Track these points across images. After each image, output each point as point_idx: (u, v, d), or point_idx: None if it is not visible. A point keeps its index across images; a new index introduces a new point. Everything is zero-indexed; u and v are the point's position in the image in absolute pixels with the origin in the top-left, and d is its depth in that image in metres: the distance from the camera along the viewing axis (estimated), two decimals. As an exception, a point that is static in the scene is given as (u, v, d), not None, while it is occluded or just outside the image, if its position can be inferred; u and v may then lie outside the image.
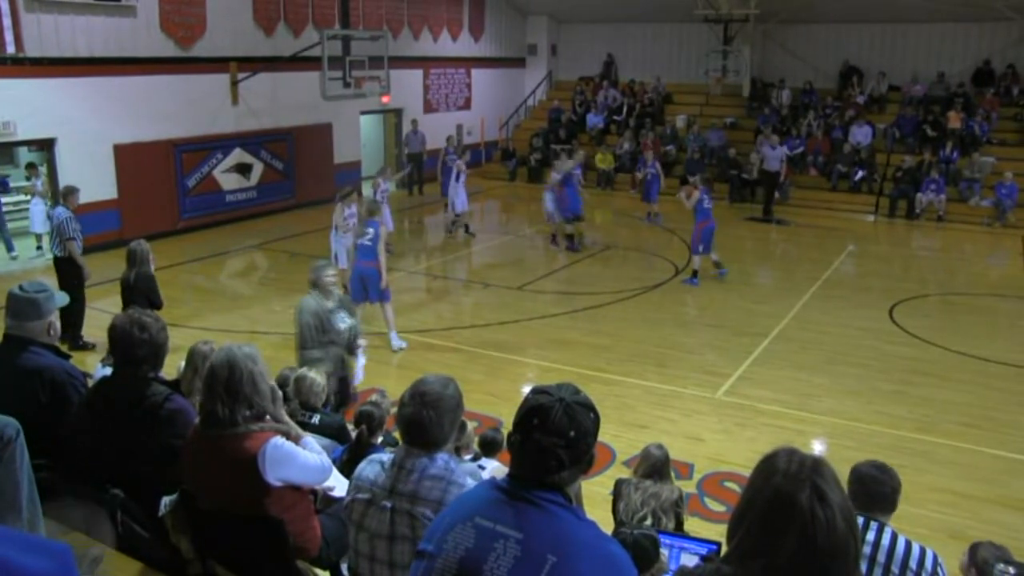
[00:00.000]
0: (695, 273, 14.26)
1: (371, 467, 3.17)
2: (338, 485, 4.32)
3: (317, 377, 6.05)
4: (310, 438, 3.77)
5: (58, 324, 4.33)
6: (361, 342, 7.78)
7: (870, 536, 3.76)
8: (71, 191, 11.13)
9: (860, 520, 3.74)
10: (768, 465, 1.99)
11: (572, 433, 2.33)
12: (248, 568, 3.51)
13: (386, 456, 3.20)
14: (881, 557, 3.71)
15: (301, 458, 3.53)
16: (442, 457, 3.08)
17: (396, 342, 10.95)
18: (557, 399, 2.36)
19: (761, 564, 1.92)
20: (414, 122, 22.71)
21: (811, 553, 1.87)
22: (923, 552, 3.75)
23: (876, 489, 3.87)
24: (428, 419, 3.04)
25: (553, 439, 2.32)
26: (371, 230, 10.74)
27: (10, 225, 16.11)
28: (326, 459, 3.70)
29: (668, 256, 16.01)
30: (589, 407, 2.41)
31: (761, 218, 19.91)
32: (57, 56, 15.14)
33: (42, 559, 1.08)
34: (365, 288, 10.75)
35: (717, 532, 6.08)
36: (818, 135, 22.84)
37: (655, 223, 19.25)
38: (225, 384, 3.44)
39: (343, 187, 13.82)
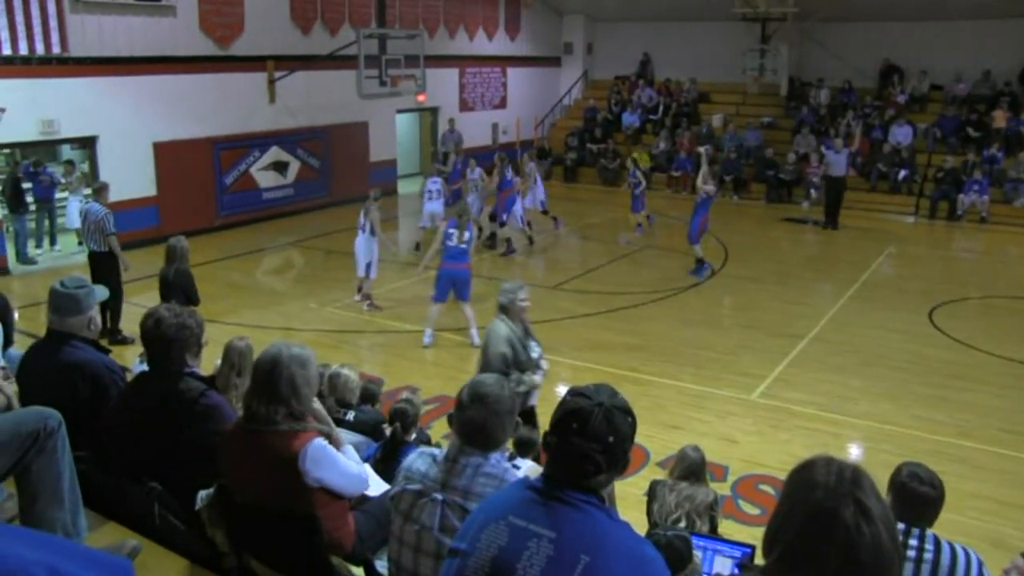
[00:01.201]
0: (701, 262, 14.36)
1: (422, 460, 3.17)
2: (372, 484, 4.33)
3: (351, 374, 6.07)
4: (349, 448, 3.77)
5: (98, 319, 4.40)
6: (544, 364, 7.13)
7: (912, 542, 3.70)
8: (104, 187, 11.39)
9: (901, 526, 3.69)
10: (806, 477, 1.95)
11: (611, 439, 2.33)
12: (282, 562, 3.52)
13: (437, 450, 3.21)
14: (925, 564, 3.66)
15: (341, 464, 3.54)
16: (495, 456, 3.08)
17: (477, 339, 10.82)
18: (596, 404, 2.35)
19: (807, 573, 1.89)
20: (451, 121, 22.71)
21: (856, 571, 1.84)
22: (968, 556, 3.70)
23: (919, 501, 3.79)
24: (490, 423, 3.04)
25: (592, 444, 2.32)
26: (467, 234, 10.98)
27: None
28: (364, 470, 3.70)
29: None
30: (627, 411, 2.40)
31: (824, 224, 19.07)
32: (99, 56, 15.35)
33: (103, 574, 1.10)
34: (454, 288, 10.95)
35: (751, 535, 6.03)
36: (857, 135, 22.57)
37: (651, 223, 18.44)
38: (265, 382, 3.46)
39: (376, 189, 13.57)
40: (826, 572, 1.85)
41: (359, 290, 13.04)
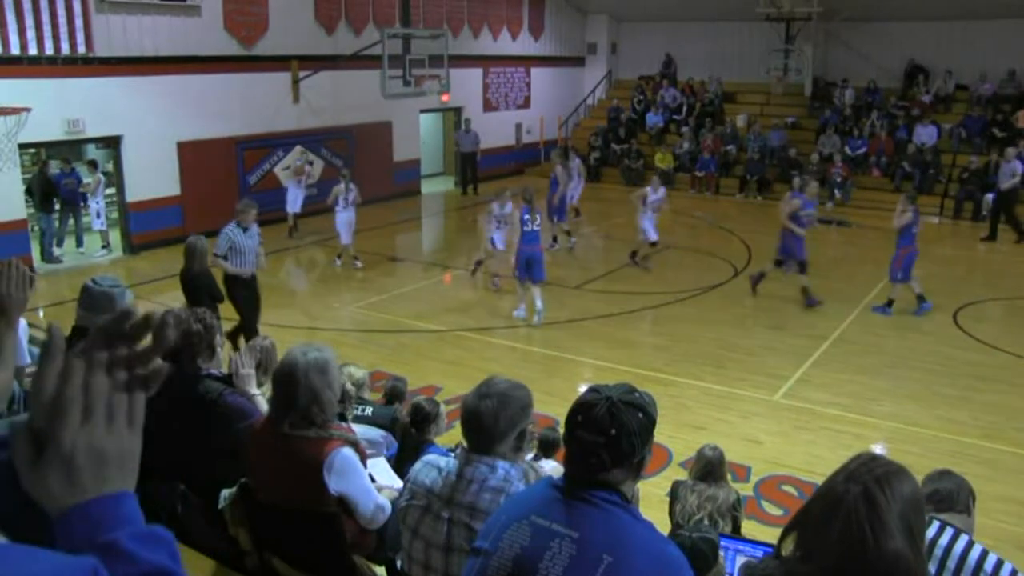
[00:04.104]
0: (890, 302, 12.89)
1: (428, 472, 3.09)
2: (395, 484, 4.34)
3: (357, 371, 6.11)
4: (384, 495, 3.75)
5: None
6: None
7: (943, 541, 3.67)
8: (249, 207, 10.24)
9: (936, 523, 3.66)
10: (844, 464, 1.97)
11: (613, 431, 2.28)
12: (304, 561, 3.53)
13: (443, 461, 3.11)
14: (951, 563, 3.62)
15: (364, 480, 3.53)
16: (503, 466, 2.96)
17: (538, 320, 11.99)
18: (604, 397, 2.32)
19: (816, 564, 1.89)
20: (467, 121, 22.75)
21: (861, 560, 1.82)
22: (1000, 564, 3.66)
23: (937, 488, 3.77)
24: (485, 409, 2.93)
25: (594, 436, 2.29)
26: (539, 217, 12.23)
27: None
28: (387, 503, 3.66)
29: (727, 257, 15.85)
30: (638, 407, 2.33)
31: (1017, 240, 17.87)
32: (124, 56, 15.47)
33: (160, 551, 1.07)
34: (529, 269, 11.92)
35: (773, 535, 6.00)
36: (881, 135, 22.43)
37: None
38: (284, 394, 3.46)
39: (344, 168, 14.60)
40: (831, 558, 1.84)
41: (353, 257, 14.81)
